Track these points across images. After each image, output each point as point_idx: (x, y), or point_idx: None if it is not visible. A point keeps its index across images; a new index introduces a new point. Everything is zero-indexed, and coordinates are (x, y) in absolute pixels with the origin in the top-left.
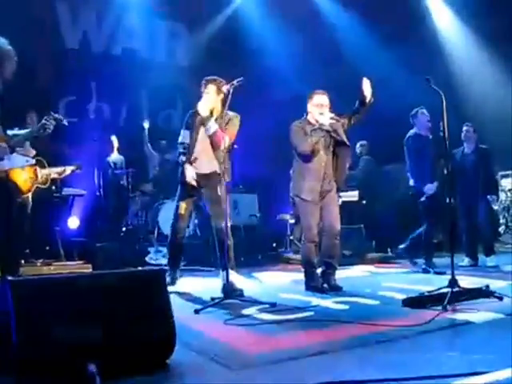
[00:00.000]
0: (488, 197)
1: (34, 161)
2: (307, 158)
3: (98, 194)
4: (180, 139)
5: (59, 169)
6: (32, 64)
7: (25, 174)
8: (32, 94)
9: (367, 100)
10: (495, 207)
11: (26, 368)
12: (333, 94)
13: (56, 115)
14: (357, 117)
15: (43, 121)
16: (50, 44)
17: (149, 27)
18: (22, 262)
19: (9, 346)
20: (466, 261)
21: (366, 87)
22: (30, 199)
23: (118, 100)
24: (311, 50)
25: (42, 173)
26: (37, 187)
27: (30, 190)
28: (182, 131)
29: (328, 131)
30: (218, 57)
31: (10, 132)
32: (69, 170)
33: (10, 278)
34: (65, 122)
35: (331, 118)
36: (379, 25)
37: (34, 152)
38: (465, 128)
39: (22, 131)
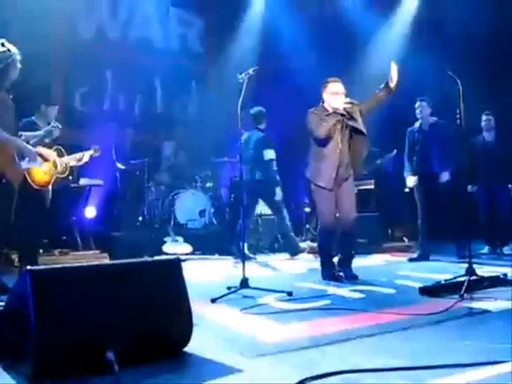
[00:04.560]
0: (509, 185)
1: (44, 164)
2: (322, 142)
3: (114, 184)
4: None
5: (77, 155)
6: (47, 54)
7: (45, 166)
8: (47, 84)
9: (392, 85)
10: None
11: (45, 357)
12: (350, 81)
13: (57, 124)
14: (378, 101)
15: (50, 127)
16: (64, 34)
17: (162, 15)
18: (41, 251)
19: (28, 336)
20: (485, 249)
21: (393, 71)
22: (50, 190)
23: (133, 88)
24: (327, 37)
25: (61, 161)
26: (56, 177)
27: (50, 182)
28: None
29: (343, 115)
30: (233, 44)
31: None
32: (87, 155)
33: (29, 267)
34: (59, 125)
35: (346, 103)
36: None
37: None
38: (485, 117)
39: (35, 133)
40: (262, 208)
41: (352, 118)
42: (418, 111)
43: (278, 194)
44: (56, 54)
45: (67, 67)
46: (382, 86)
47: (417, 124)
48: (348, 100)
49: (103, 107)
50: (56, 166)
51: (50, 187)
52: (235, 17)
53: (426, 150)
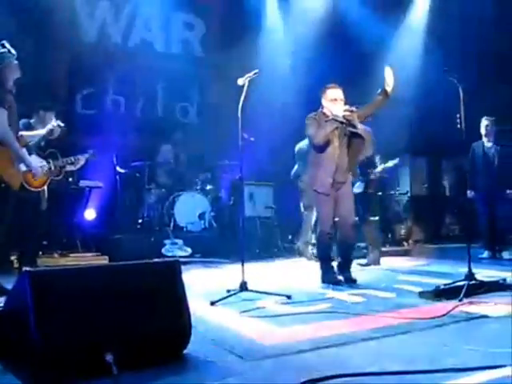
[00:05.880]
0: (508, 191)
1: (46, 165)
2: (321, 149)
3: (114, 186)
4: None
5: (72, 158)
6: (49, 56)
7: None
8: (49, 86)
9: (389, 89)
10: None
11: (45, 358)
12: (346, 82)
13: (59, 122)
14: (376, 107)
15: (50, 126)
16: (67, 36)
17: (164, 19)
18: (40, 253)
19: (27, 337)
20: (485, 253)
21: (389, 75)
22: (46, 192)
23: (134, 92)
24: (325, 38)
25: (55, 164)
26: (51, 179)
27: (45, 183)
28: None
29: (342, 123)
30: (234, 48)
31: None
32: (83, 159)
33: (27, 268)
34: (61, 124)
35: (345, 110)
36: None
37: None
38: (486, 122)
39: (34, 132)
40: (260, 211)
41: (351, 125)
42: None
43: None
44: (58, 57)
45: (69, 70)
46: (379, 91)
47: None
48: (347, 107)
49: (104, 110)
50: (50, 168)
51: (45, 188)
52: (237, 20)
53: None
